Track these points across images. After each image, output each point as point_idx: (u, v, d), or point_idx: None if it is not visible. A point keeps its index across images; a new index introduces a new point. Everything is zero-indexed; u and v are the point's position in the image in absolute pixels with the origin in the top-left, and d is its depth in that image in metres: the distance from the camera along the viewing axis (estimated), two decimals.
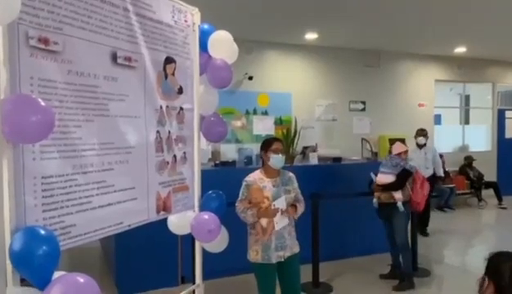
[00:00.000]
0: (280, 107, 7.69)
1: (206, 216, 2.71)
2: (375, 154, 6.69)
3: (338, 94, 8.38)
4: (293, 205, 3.03)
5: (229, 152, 7.07)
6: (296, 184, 3.13)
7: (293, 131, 6.78)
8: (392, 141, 5.22)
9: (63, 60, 1.82)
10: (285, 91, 7.84)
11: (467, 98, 10.89)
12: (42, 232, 1.58)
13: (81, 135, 1.93)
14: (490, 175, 9.66)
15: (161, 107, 2.49)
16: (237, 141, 7.45)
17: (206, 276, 3.16)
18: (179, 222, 2.82)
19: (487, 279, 1.60)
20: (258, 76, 7.57)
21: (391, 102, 8.91)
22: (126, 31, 2.20)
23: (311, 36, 7.33)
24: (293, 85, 7.96)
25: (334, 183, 5.28)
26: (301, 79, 8.08)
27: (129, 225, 2.27)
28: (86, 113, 1.96)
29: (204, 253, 2.99)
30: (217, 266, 4.03)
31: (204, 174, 3.07)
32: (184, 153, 2.72)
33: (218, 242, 2.84)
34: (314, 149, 6.17)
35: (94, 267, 5.11)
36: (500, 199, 8.91)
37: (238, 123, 7.50)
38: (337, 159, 5.83)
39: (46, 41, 1.73)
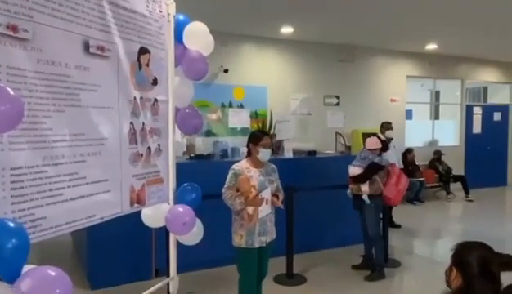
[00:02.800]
0: (256, 100, 7.69)
1: (181, 208, 2.70)
2: (349, 148, 6.77)
3: (313, 88, 8.45)
4: (275, 195, 3.22)
5: (205, 145, 7.03)
6: (277, 175, 3.33)
7: (268, 124, 6.80)
8: (366, 135, 5.31)
9: (33, 48, 1.76)
10: (261, 85, 7.85)
11: (437, 94, 11.19)
12: (11, 224, 1.53)
13: (51, 126, 1.88)
14: (458, 169, 10.00)
15: (135, 98, 2.45)
16: (213, 134, 7.41)
17: (181, 269, 3.16)
18: (153, 215, 2.79)
19: (454, 269, 1.65)
20: (234, 69, 7.54)
21: (364, 97, 9.07)
22: (99, 20, 2.15)
23: (286, 30, 7.36)
24: (268, 78, 7.97)
25: (308, 176, 5.34)
26: (276, 73, 8.10)
27: (102, 218, 2.23)
28: (57, 103, 1.90)
29: (179, 246, 2.98)
30: (192, 259, 4.02)
31: (180, 167, 3.04)
32: (158, 145, 2.69)
33: (193, 234, 2.83)
34: (289, 143, 6.20)
35: (65, 261, 5.01)
36: (467, 192, 9.24)
37: (213, 116, 7.46)
38: (311, 153, 5.90)
39: (14, 28, 1.67)
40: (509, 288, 1.76)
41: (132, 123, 2.43)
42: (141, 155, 2.53)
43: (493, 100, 11.64)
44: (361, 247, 4.93)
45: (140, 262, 4.44)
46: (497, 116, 11.14)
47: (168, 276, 3.07)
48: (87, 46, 2.07)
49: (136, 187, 2.50)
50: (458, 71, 10.45)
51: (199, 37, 2.76)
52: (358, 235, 4.90)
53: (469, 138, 10.74)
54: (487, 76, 10.96)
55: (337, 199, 5.24)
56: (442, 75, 10.32)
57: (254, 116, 7.46)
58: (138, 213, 2.77)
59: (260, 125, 6.74)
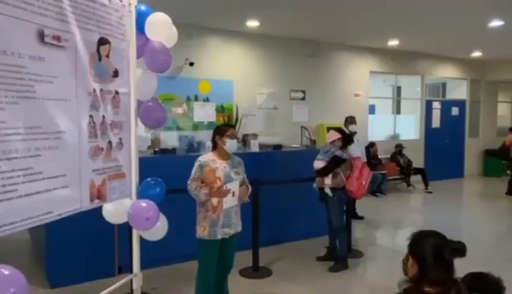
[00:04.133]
0: (222, 94, 7.64)
1: (144, 203, 2.65)
2: (314, 142, 6.88)
3: (279, 82, 8.50)
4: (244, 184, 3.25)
5: (170, 139, 6.92)
6: (244, 169, 3.34)
7: (234, 118, 6.78)
8: (331, 129, 5.39)
9: None
10: (227, 79, 7.81)
11: (399, 89, 11.52)
12: None
13: (4, 119, 1.79)
14: (418, 161, 10.36)
15: (94, 90, 2.37)
16: (178, 129, 7.32)
17: (145, 265, 3.11)
18: (115, 210, 2.73)
19: (410, 258, 1.71)
20: (200, 62, 7.45)
21: (329, 91, 9.21)
22: (54, 8, 2.05)
23: (252, 23, 7.34)
24: (235, 72, 7.94)
25: (274, 170, 5.38)
26: (243, 67, 8.08)
27: (60, 215, 2.16)
28: (9, 95, 1.81)
29: (143, 242, 2.93)
30: (156, 254, 3.98)
31: (143, 161, 2.99)
32: (120, 138, 2.62)
33: (157, 229, 2.79)
34: (255, 137, 6.21)
35: (22, 259, 4.82)
36: (426, 184, 9.60)
37: (179, 110, 7.35)
38: (277, 147, 5.94)
39: None
40: (467, 277, 1.84)
41: (91, 116, 2.35)
42: (102, 149, 2.45)
43: (451, 95, 12.12)
44: (326, 238, 5.04)
45: (102, 259, 4.33)
46: (455, 111, 11.62)
47: (131, 273, 3.01)
48: (41, 36, 1.98)
49: (97, 182, 2.43)
50: (418, 67, 10.79)
51: (161, 28, 2.70)
52: (323, 227, 4.99)
53: (429, 132, 11.14)
54: (445, 72, 11.39)
55: (302, 192, 5.30)
56: (404, 71, 10.63)
57: (220, 110, 7.41)
58: (100, 209, 2.70)
59: (226, 119, 6.72)
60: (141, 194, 2.75)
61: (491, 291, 1.85)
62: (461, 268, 1.77)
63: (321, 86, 9.06)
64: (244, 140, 6.20)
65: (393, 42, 9.24)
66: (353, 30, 8.01)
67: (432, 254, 1.62)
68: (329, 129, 5.14)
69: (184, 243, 3.63)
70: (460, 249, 1.60)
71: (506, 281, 1.85)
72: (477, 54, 10.82)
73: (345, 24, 7.54)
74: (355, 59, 9.65)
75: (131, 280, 2.96)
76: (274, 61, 8.41)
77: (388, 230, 6.69)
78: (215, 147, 3.25)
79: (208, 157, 3.20)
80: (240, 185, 3.20)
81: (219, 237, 3.12)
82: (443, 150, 11.15)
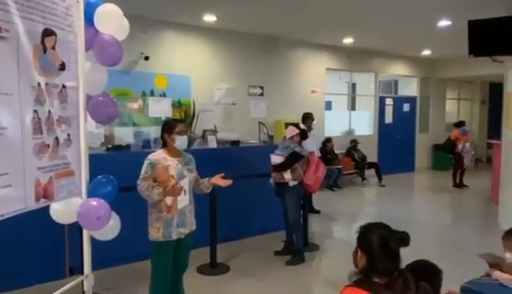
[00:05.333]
0: (179, 89, 7.51)
1: (94, 202, 2.55)
2: (271, 138, 6.93)
3: (237, 78, 8.47)
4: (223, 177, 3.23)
5: (125, 136, 6.72)
6: (195, 165, 3.25)
7: (191, 114, 6.69)
8: (288, 125, 5.44)
9: None
10: (184, 74, 7.69)
11: (354, 86, 11.83)
12: None
13: None
14: (372, 156, 10.71)
15: (39, 84, 2.24)
16: (134, 124, 7.12)
17: (97, 266, 3.01)
18: (64, 210, 2.61)
19: (359, 250, 1.75)
20: (155, 57, 7.28)
21: (287, 88, 9.30)
22: None
23: (209, 18, 7.26)
24: (192, 67, 7.83)
25: (232, 165, 5.35)
26: (200, 62, 7.98)
27: (2, 215, 2.03)
28: None
29: (95, 242, 2.83)
30: (109, 254, 3.86)
31: (94, 158, 2.88)
32: (68, 135, 2.50)
33: (109, 229, 2.70)
34: (213, 133, 6.17)
35: None
36: (380, 178, 9.94)
37: (135, 105, 7.15)
38: (235, 142, 5.92)
39: None
40: (407, 266, 1.92)
41: (36, 111, 2.22)
42: (48, 146, 2.33)
43: (403, 92, 12.60)
44: (284, 233, 5.09)
45: (52, 261, 4.15)
46: (406, 107, 12.09)
47: (82, 274, 2.90)
48: None
49: (43, 180, 2.30)
50: (372, 65, 11.13)
51: (111, 20, 2.60)
52: (280, 222, 5.05)
53: (382, 127, 11.53)
54: (397, 70, 11.82)
55: (260, 188, 5.33)
56: (358, 68, 10.93)
57: (178, 105, 7.29)
58: (48, 208, 2.57)
59: (183, 114, 6.61)
60: (92, 193, 2.64)
61: (432, 277, 1.95)
62: (411, 255, 1.84)
63: (278, 82, 9.13)
64: (203, 136, 6.16)
65: (348, 40, 9.46)
66: (309, 27, 8.12)
67: (378, 245, 1.67)
68: (287, 125, 5.19)
69: (138, 242, 3.54)
70: (404, 239, 1.66)
71: (449, 265, 1.95)
72: (427, 52, 11.31)
73: (301, 21, 7.63)
74: (312, 56, 9.80)
75: (82, 281, 2.85)
76: (232, 57, 8.38)
77: (344, 223, 6.87)
78: (165, 144, 3.13)
79: (158, 154, 3.08)
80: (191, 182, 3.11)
81: (174, 237, 3.03)
82: (395, 145, 11.59)
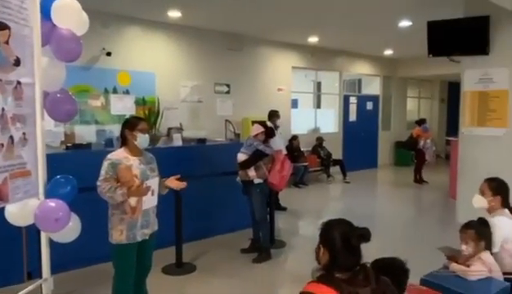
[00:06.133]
0: (143, 86, 7.34)
1: (52, 203, 2.46)
2: (238, 136, 6.91)
3: (203, 75, 8.39)
4: (177, 178, 3.16)
5: (87, 134, 6.52)
6: (156, 165, 3.16)
7: (156, 111, 6.57)
8: (254, 123, 5.45)
9: None
10: (148, 70, 7.52)
11: (319, 84, 12.00)
12: None
13: None
14: (337, 153, 10.91)
15: None
16: (97, 122, 6.90)
17: (56, 269, 2.91)
18: (20, 212, 2.51)
19: (321, 247, 1.77)
20: (118, 52, 7.08)
21: (253, 86, 9.30)
22: None
23: (174, 14, 7.14)
24: (157, 64, 7.68)
25: (198, 164, 5.31)
26: (165, 59, 7.85)
27: None
28: None
29: (54, 244, 2.73)
30: (69, 257, 3.74)
31: (53, 158, 2.79)
32: (23, 133, 2.39)
33: (69, 231, 2.61)
34: (178, 131, 6.09)
35: None
36: (344, 175, 10.14)
37: (97, 103, 6.94)
38: (201, 141, 5.87)
39: None
40: (376, 262, 1.96)
41: None
42: (2, 145, 2.23)
43: (366, 90, 12.90)
44: (251, 231, 5.10)
45: (9, 265, 3.97)
46: (369, 105, 12.39)
47: (41, 278, 2.79)
48: None
49: None
50: (336, 64, 11.32)
51: (69, 14, 2.50)
52: (248, 220, 5.04)
53: (346, 125, 11.77)
54: (361, 69, 12.08)
55: (226, 186, 5.31)
56: (323, 67, 11.08)
57: (142, 103, 7.13)
58: (2, 210, 2.46)
59: (147, 112, 6.48)
60: (50, 193, 2.54)
61: (399, 275, 2.00)
62: (373, 249, 1.88)
63: (245, 80, 9.12)
64: (168, 134, 6.06)
65: (313, 39, 9.58)
66: (275, 25, 8.16)
67: (340, 241, 1.70)
68: (253, 123, 5.20)
69: (101, 244, 3.44)
70: (365, 235, 1.70)
71: (410, 258, 2.01)
72: (389, 52, 11.62)
73: (267, 19, 7.64)
74: (278, 54, 9.85)
75: (41, 285, 2.75)
76: (198, 54, 8.29)
77: (310, 219, 6.96)
78: (124, 142, 3.00)
79: (119, 154, 2.94)
80: (159, 182, 3.05)
81: (139, 239, 2.94)
82: (359, 142, 11.86)
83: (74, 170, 2.86)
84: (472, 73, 6.15)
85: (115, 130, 6.26)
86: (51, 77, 2.55)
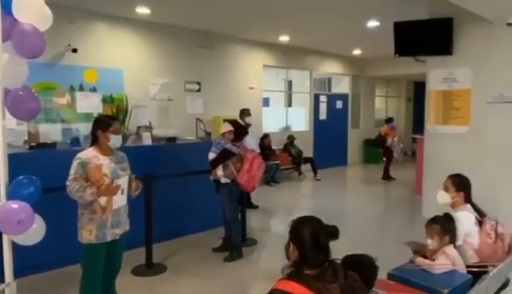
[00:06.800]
0: (111, 84, 7.17)
1: (15, 205, 2.35)
2: (209, 134, 6.87)
3: (173, 73, 8.29)
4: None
5: (52, 133, 6.30)
6: (128, 163, 3.12)
7: (124, 109, 6.44)
8: (226, 121, 5.42)
9: None
10: (117, 67, 7.35)
11: (290, 83, 12.09)
12: None
13: None
14: (307, 151, 11.04)
15: None
16: (63, 121, 6.69)
17: (20, 273, 2.80)
18: None
19: (291, 244, 1.79)
20: (85, 49, 6.89)
21: (225, 84, 9.27)
22: None
23: (142, 10, 7.01)
24: (125, 61, 7.51)
25: (168, 163, 5.25)
26: (134, 55, 7.70)
27: None
28: None
29: (17, 247, 2.62)
30: (34, 260, 3.62)
31: (15, 158, 2.69)
32: None
33: (32, 233, 2.51)
34: (148, 129, 5.98)
35: None
36: (315, 172, 10.27)
37: (63, 101, 6.72)
38: (171, 139, 5.80)
39: None
40: (346, 258, 1.99)
41: None
42: None
43: (336, 89, 13.11)
44: (223, 229, 5.08)
45: None
46: (339, 104, 12.59)
47: (3, 282, 2.68)
48: None
49: None
50: (307, 63, 11.44)
51: (31, 8, 2.40)
52: (220, 218, 5.02)
53: (317, 124, 11.92)
54: (330, 68, 12.26)
55: (198, 185, 5.28)
56: (294, 66, 11.18)
57: (110, 100, 6.96)
58: None
59: (114, 110, 6.33)
60: (12, 195, 2.44)
61: (367, 271, 2.04)
62: (343, 245, 1.91)
63: (216, 78, 9.07)
64: (137, 133, 5.95)
65: (284, 38, 9.64)
66: (246, 24, 8.16)
67: (309, 239, 1.72)
68: (225, 121, 5.17)
69: (67, 246, 3.35)
70: (333, 233, 1.73)
71: (378, 253, 2.06)
72: (357, 52, 11.84)
73: (237, 18, 7.63)
74: (249, 52, 9.85)
75: (3, 290, 2.64)
76: (167, 51, 8.18)
77: (282, 217, 7.00)
78: (95, 141, 2.96)
79: (89, 153, 2.90)
80: (129, 182, 2.99)
81: (109, 239, 2.90)
82: (329, 140, 12.04)
83: (39, 170, 2.76)
84: (437, 73, 6.35)
85: (82, 128, 6.11)
86: (12, 74, 2.44)
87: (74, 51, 6.70)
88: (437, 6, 6.08)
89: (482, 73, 5.91)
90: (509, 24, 5.51)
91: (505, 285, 2.85)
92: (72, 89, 6.76)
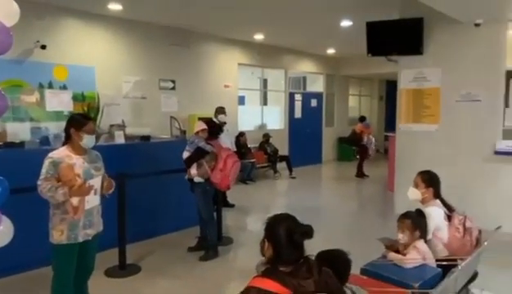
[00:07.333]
0: (82, 81, 7.00)
1: None
2: (184, 132, 6.80)
3: (147, 71, 8.17)
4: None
5: (21, 132, 6.05)
6: (102, 163, 3.07)
7: (96, 107, 6.30)
8: (201, 120, 5.38)
9: None
10: (88, 65, 7.18)
11: (265, 82, 12.12)
12: None
13: None
14: (283, 150, 11.10)
15: None
16: (31, 120, 6.48)
17: None
18: None
19: (266, 241, 1.80)
20: (54, 46, 6.69)
21: (200, 82, 9.21)
22: None
23: (114, 6, 6.86)
24: (97, 58, 7.35)
25: (142, 162, 5.17)
26: (106, 52, 7.54)
27: None
28: None
29: None
30: (2, 263, 3.51)
31: None
32: None
33: (0, 235, 2.43)
34: (120, 128, 5.87)
35: None
36: (291, 170, 10.35)
37: (31, 99, 6.51)
38: (145, 138, 5.71)
39: None
40: (319, 254, 2.01)
41: None
42: None
43: (310, 88, 13.23)
44: (198, 229, 5.05)
45: None
46: (314, 102, 12.72)
47: None
48: None
49: None
50: (282, 61, 11.50)
51: None
52: (194, 218, 4.99)
53: (292, 122, 12.00)
54: (305, 67, 12.36)
55: (172, 184, 5.22)
56: (269, 64, 11.21)
57: (81, 98, 6.79)
58: None
59: (86, 108, 6.19)
60: None
61: (341, 266, 2.07)
62: (317, 241, 1.93)
63: (191, 76, 9.00)
64: (109, 131, 5.82)
65: (259, 36, 9.65)
66: (220, 22, 8.12)
67: (284, 237, 1.73)
68: (199, 119, 5.13)
69: (37, 247, 3.26)
70: (308, 232, 1.75)
71: (352, 249, 2.09)
72: (331, 51, 11.99)
73: (212, 15, 7.57)
74: (224, 50, 9.81)
75: None
76: (141, 48, 8.05)
77: (258, 215, 7.01)
78: (68, 139, 2.89)
79: (61, 152, 2.83)
80: (102, 181, 2.95)
81: (81, 240, 2.84)
82: (304, 139, 12.15)
83: (6, 170, 2.67)
84: (408, 73, 6.50)
85: (52, 127, 5.92)
86: None
87: (43, 47, 6.50)
88: (407, 7, 6.20)
89: (451, 72, 6.07)
90: (476, 25, 5.69)
91: (473, 278, 2.95)
92: (41, 86, 6.56)
